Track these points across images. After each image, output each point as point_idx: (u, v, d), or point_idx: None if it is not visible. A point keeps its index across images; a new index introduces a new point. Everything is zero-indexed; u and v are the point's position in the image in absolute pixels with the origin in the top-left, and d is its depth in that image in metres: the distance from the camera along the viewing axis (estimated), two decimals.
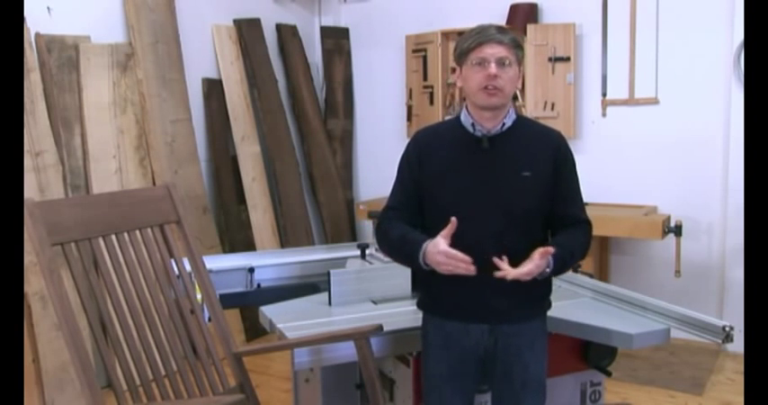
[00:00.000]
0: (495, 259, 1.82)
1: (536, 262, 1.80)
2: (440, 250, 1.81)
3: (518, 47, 1.90)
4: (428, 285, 2.06)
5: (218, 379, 2.22)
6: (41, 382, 3.14)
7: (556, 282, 2.68)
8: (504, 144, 1.94)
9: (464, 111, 1.99)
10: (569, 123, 4.28)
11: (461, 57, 1.91)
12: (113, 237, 2.09)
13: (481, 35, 1.87)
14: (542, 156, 1.94)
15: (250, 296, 2.83)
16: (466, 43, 1.89)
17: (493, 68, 1.84)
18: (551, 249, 1.82)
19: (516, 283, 1.87)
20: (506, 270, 1.81)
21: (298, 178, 4.85)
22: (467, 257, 1.79)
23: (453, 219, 1.81)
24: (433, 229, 1.89)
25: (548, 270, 1.85)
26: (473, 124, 1.95)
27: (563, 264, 1.90)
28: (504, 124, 1.94)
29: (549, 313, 2.08)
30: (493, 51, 1.85)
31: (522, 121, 2.00)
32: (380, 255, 2.80)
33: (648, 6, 4.13)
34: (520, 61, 1.91)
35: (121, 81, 3.74)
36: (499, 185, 1.91)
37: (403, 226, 1.98)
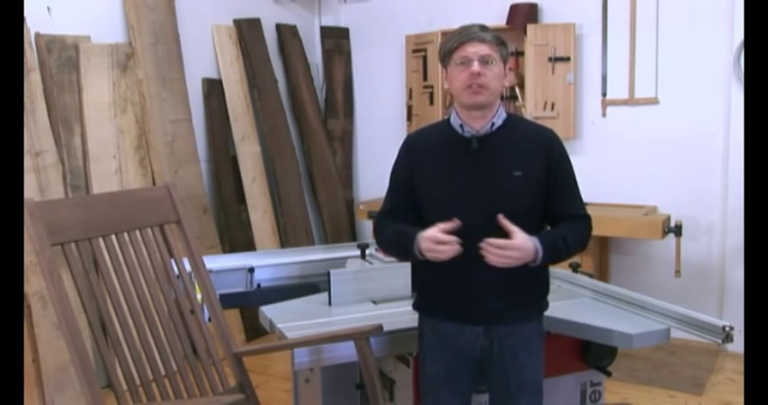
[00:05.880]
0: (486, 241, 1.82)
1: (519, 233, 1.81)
2: (424, 236, 1.83)
3: (501, 44, 1.90)
4: (423, 286, 2.06)
5: (218, 379, 2.21)
6: (41, 382, 3.14)
7: (555, 282, 2.69)
8: (494, 144, 1.93)
9: (453, 112, 1.99)
10: (569, 123, 4.28)
11: (446, 57, 1.92)
12: (113, 237, 2.09)
13: (463, 34, 1.88)
14: (534, 155, 1.93)
15: (250, 296, 2.84)
16: (449, 44, 1.90)
17: (476, 66, 1.84)
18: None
19: (512, 283, 1.89)
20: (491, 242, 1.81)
21: (298, 178, 4.85)
22: (449, 238, 1.80)
23: (455, 220, 1.82)
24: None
25: (539, 254, 1.84)
26: (461, 125, 1.95)
27: (554, 249, 1.88)
28: (493, 124, 1.94)
29: (550, 313, 2.08)
30: (475, 50, 1.85)
31: (513, 121, 1.99)
32: (380, 255, 2.80)
33: (648, 6, 4.13)
34: (505, 59, 1.91)
35: (121, 81, 3.74)
36: (490, 186, 1.90)
37: (398, 223, 1.99)
